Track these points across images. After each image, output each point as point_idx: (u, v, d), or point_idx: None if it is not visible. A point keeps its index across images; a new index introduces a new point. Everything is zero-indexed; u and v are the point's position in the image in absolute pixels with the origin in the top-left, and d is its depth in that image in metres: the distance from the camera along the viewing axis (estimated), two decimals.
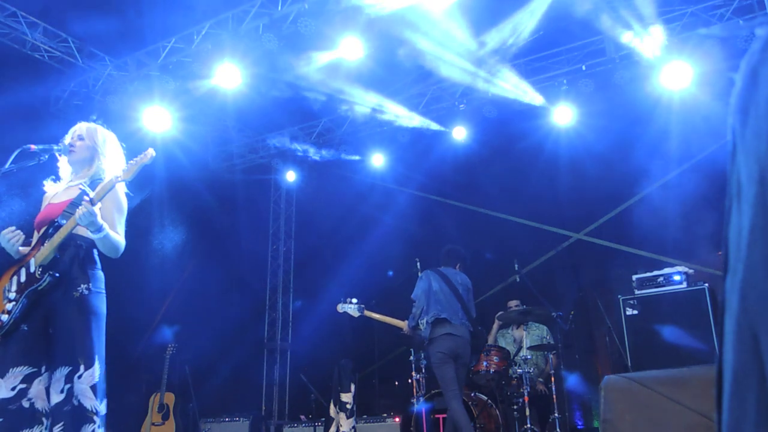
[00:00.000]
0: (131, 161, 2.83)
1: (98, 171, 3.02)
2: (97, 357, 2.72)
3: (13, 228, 2.92)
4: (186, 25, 6.51)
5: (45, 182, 3.14)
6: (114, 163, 3.07)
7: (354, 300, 6.05)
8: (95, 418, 2.63)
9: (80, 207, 2.67)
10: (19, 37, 6.28)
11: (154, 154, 2.80)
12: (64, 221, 2.80)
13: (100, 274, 2.93)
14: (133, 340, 7.05)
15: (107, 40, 6.69)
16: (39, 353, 2.70)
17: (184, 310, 7.69)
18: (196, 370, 7.16)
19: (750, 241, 0.62)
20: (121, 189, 3.02)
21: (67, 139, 3.05)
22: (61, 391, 2.62)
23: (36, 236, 2.95)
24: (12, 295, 2.76)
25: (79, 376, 2.64)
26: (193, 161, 8.26)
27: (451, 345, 5.01)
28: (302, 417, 7.52)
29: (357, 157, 8.71)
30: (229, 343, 8.12)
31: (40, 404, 2.63)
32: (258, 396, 8.87)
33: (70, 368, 2.65)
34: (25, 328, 2.73)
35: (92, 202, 2.69)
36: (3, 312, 2.73)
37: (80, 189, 2.86)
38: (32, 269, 2.78)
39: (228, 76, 6.52)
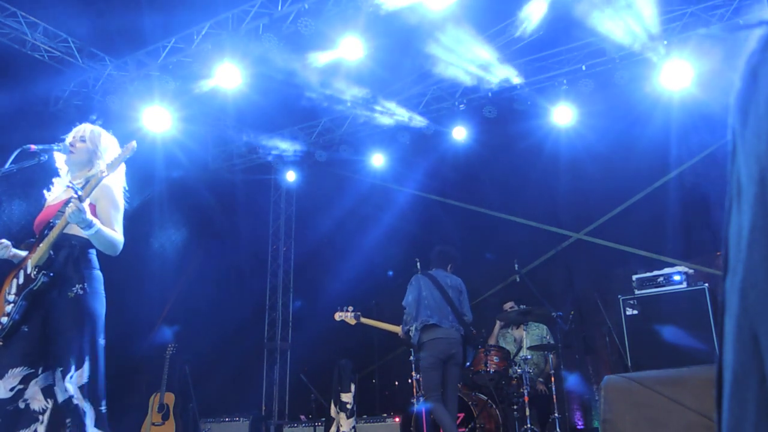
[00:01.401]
0: (115, 156, 2.84)
1: (96, 173, 3.02)
2: (87, 358, 2.72)
3: (2, 240, 2.93)
4: (186, 25, 6.51)
5: (46, 192, 3.16)
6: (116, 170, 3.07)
7: (350, 308, 6.09)
8: (84, 418, 2.64)
9: (69, 205, 2.68)
10: (19, 37, 6.28)
11: (135, 146, 2.82)
12: (58, 221, 2.81)
13: (97, 274, 2.92)
14: (133, 340, 7.05)
15: (107, 40, 6.69)
16: (37, 354, 2.71)
17: (184, 310, 7.69)
18: (196, 370, 7.16)
19: (750, 241, 0.62)
20: (118, 187, 3.02)
21: (69, 139, 3.05)
22: (65, 390, 2.64)
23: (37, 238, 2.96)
24: (11, 298, 2.77)
25: (71, 377, 2.65)
26: (193, 161, 8.26)
27: (442, 348, 5.03)
28: (302, 417, 7.52)
29: (357, 157, 8.71)
30: (229, 343, 8.12)
31: (36, 405, 2.63)
32: (258, 396, 8.87)
33: (62, 368, 2.67)
34: (26, 329, 2.74)
35: (80, 199, 2.70)
36: (3, 315, 2.74)
37: (73, 188, 2.87)
38: (29, 270, 2.80)
39: (228, 76, 6.52)
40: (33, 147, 2.89)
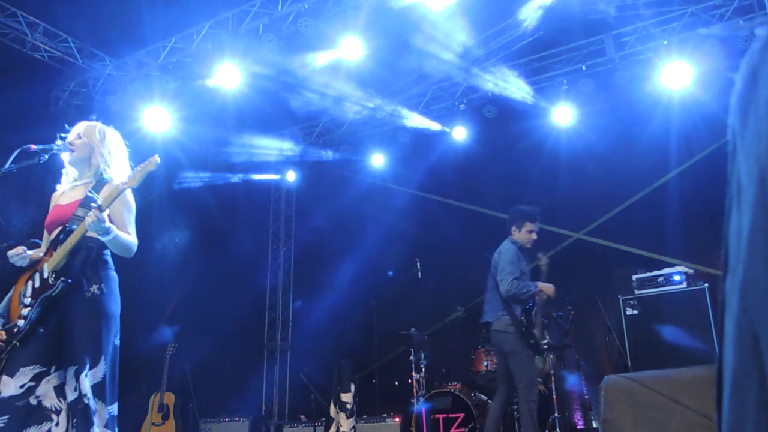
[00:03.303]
0: (137, 168, 2.83)
1: (98, 169, 3.03)
2: (103, 357, 2.73)
3: (22, 250, 2.92)
4: (186, 25, 6.51)
5: (58, 185, 3.17)
6: (115, 159, 3.08)
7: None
8: (93, 418, 2.65)
9: (89, 214, 2.70)
10: (19, 37, 6.28)
11: (158, 161, 2.81)
12: (75, 226, 2.82)
13: (113, 275, 2.94)
14: (133, 340, 7.04)
15: (107, 40, 6.69)
16: (51, 353, 2.73)
17: (184, 310, 7.68)
18: (196, 370, 7.15)
19: (750, 241, 0.62)
20: (130, 191, 3.02)
21: (68, 140, 3.06)
22: (75, 390, 2.66)
23: (46, 237, 2.98)
24: (27, 301, 2.79)
25: (85, 375, 2.67)
26: (193, 161, 8.26)
27: (493, 342, 4.91)
28: (302, 417, 7.52)
29: (357, 157, 8.71)
30: (229, 343, 8.12)
31: (49, 402, 2.65)
32: (258, 396, 8.87)
33: (77, 367, 2.68)
34: (42, 331, 2.76)
35: (100, 209, 2.71)
36: (20, 317, 2.75)
37: (86, 193, 2.87)
38: (45, 275, 2.81)
39: (228, 76, 6.52)
40: (33, 147, 2.89)
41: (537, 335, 4.72)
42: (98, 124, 3.14)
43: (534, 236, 4.98)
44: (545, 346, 4.82)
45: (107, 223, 2.73)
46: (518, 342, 4.68)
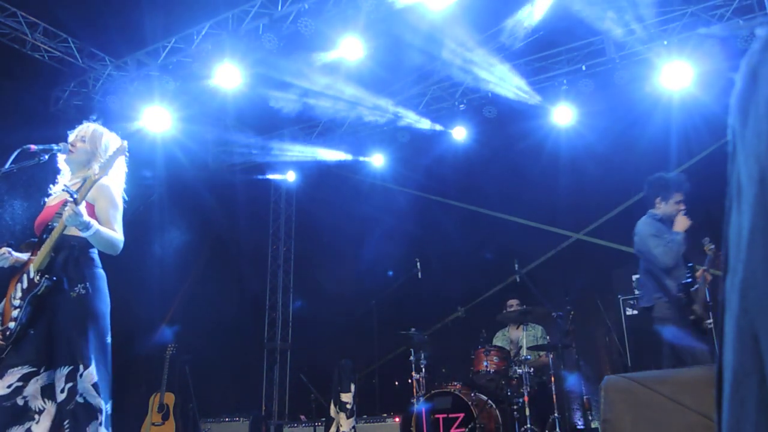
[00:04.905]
0: (107, 155, 2.83)
1: (91, 175, 3.01)
2: (93, 356, 2.72)
3: (5, 251, 2.92)
4: (186, 25, 6.51)
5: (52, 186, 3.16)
6: (114, 169, 3.04)
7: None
8: (99, 415, 2.66)
9: (66, 209, 2.69)
10: (19, 37, 6.28)
11: (126, 145, 2.82)
12: (56, 224, 2.82)
13: (100, 273, 2.92)
14: (133, 340, 7.05)
15: (107, 40, 6.69)
16: (41, 354, 2.72)
17: (184, 310, 7.69)
18: (196, 370, 7.15)
19: (750, 242, 0.62)
20: (116, 186, 3.02)
21: (71, 137, 3.06)
22: (62, 391, 2.64)
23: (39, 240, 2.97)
24: (17, 302, 2.79)
25: (81, 375, 2.66)
26: (193, 161, 8.26)
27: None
28: (302, 417, 7.52)
29: (357, 157, 8.71)
30: (229, 343, 8.11)
31: (34, 403, 2.64)
32: (258, 396, 8.87)
33: (71, 368, 2.67)
34: (32, 332, 2.75)
35: (76, 202, 2.70)
36: (11, 320, 2.75)
37: (66, 192, 2.86)
38: (32, 275, 2.81)
39: (228, 76, 6.52)
40: (33, 147, 2.89)
41: (698, 311, 4.17)
42: (105, 133, 3.11)
43: (682, 206, 4.46)
44: (709, 326, 4.15)
45: (86, 217, 2.72)
46: (681, 328, 4.18)
